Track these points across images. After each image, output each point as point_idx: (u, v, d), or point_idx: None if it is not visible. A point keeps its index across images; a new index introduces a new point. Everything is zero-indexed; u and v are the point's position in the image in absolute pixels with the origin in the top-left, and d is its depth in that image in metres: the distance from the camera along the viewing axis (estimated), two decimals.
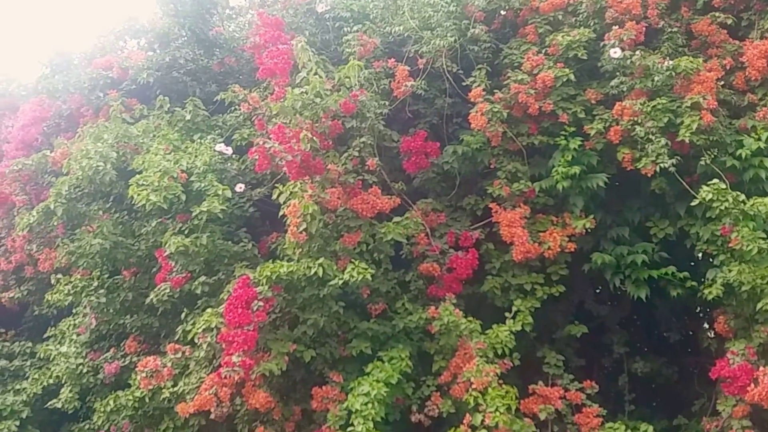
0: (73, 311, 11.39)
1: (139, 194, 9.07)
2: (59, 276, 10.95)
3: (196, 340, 8.89)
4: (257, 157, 9.10)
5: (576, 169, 9.18)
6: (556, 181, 9.28)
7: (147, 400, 9.52)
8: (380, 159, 9.72)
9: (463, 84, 10.09)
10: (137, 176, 9.31)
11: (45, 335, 11.86)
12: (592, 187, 9.33)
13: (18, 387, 11.74)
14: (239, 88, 10.95)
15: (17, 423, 11.26)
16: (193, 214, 9.29)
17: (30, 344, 12.61)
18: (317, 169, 8.96)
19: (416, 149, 9.83)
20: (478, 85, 9.78)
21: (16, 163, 11.58)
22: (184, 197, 9.31)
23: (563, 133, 9.45)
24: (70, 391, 10.68)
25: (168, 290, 9.72)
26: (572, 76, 9.61)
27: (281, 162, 8.82)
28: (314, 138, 8.71)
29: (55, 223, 10.44)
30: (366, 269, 8.58)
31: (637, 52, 9.40)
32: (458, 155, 9.85)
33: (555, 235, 9.31)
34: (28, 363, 12.33)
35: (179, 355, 9.26)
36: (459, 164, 9.94)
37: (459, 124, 10.44)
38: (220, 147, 10.22)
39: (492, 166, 9.92)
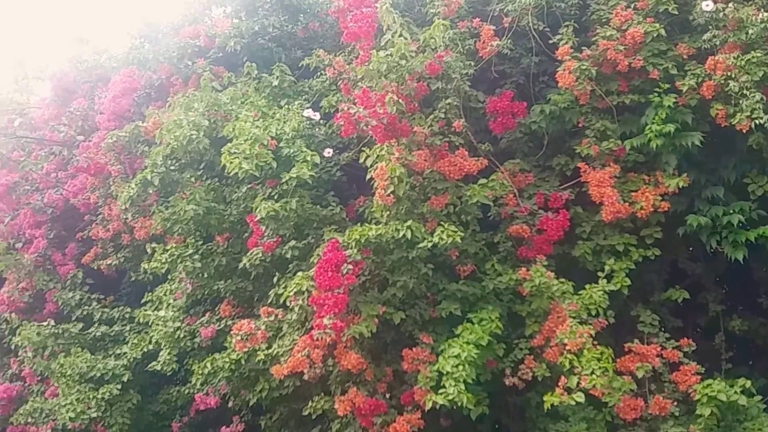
0: (169, 277, 11.65)
1: (231, 162, 9.20)
2: (155, 245, 11.21)
3: (288, 303, 9.04)
4: (343, 123, 9.14)
5: (670, 127, 8.92)
6: (649, 139, 9.04)
7: (243, 362, 9.76)
8: (466, 120, 9.66)
9: (550, 42, 9.94)
10: (228, 144, 9.45)
11: (142, 301, 12.17)
12: (687, 146, 9.07)
13: (118, 351, 12.06)
14: (324, 53, 11.02)
15: (119, 387, 11.57)
16: (283, 179, 9.42)
17: (128, 310, 12.91)
18: (403, 131, 8.97)
19: (503, 109, 9.72)
20: (566, 43, 9.61)
21: (111, 136, 11.82)
22: (274, 164, 9.43)
23: (656, 89, 9.20)
24: (168, 353, 10.96)
25: (260, 255, 9.92)
26: (662, 31, 9.33)
27: (366, 127, 8.86)
28: (400, 100, 8.72)
29: (150, 192, 10.70)
30: (456, 232, 8.58)
31: (731, 4, 9.05)
32: (545, 114, 9.73)
33: (647, 194, 9.08)
34: (128, 328, 12.65)
35: (272, 318, 9.46)
36: (546, 124, 9.82)
37: (546, 83, 10.32)
38: (308, 112, 10.30)
39: (580, 125, 9.75)
